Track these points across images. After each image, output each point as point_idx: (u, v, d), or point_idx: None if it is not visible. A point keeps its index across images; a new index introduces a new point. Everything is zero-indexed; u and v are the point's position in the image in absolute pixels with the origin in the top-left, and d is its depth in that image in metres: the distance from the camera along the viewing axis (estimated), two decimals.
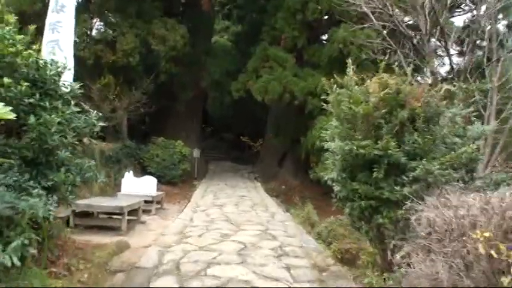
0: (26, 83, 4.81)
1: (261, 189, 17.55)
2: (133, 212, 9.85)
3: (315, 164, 18.59)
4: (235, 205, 12.20)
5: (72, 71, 8.02)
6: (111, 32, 17.59)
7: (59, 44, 7.73)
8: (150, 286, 5.09)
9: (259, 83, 17.70)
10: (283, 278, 5.46)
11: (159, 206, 12.27)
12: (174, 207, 13.08)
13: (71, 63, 7.82)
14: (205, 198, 13.79)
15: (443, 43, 11.16)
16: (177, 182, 17.58)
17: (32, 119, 4.69)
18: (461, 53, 15.20)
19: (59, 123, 4.94)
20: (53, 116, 4.80)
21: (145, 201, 11.18)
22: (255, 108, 24.07)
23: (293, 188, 20.02)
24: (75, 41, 15.71)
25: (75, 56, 15.61)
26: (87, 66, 16.26)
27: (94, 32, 17.94)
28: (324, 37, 20.68)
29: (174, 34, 17.29)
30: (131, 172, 11.91)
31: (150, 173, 17.00)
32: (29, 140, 4.79)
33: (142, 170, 17.17)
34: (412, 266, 4.67)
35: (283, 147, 22.02)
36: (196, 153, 20.14)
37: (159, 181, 16.79)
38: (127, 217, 9.41)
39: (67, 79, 6.10)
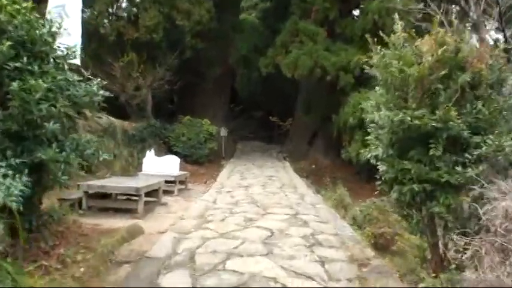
0: (9, 43, 3.96)
1: (290, 169, 16.57)
2: (153, 193, 9.08)
3: (347, 143, 17.50)
4: (263, 186, 11.28)
5: (80, 40, 7.18)
6: (133, 8, 16.76)
7: (65, 9, 6.87)
8: (158, 282, 4.23)
9: (288, 58, 16.63)
10: (316, 274, 4.50)
11: (182, 186, 11.49)
12: (199, 187, 12.28)
13: (77, 30, 6.98)
14: (231, 179, 12.93)
15: (493, 7, 9.85)
16: (203, 161, 16.80)
17: (15, 85, 3.84)
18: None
19: (48, 90, 4.08)
20: (39, 81, 3.92)
21: (167, 182, 10.44)
22: (284, 85, 23.01)
23: (323, 168, 19.00)
24: (95, 17, 15.14)
25: (96, 32, 15.14)
26: (108, 43, 15.55)
27: (116, 8, 17.03)
28: (356, 12, 19.42)
29: (199, 8, 16.26)
30: (152, 151, 11.11)
31: (176, 153, 16.26)
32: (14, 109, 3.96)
33: (168, 150, 16.44)
34: (479, 268, 3.70)
35: (313, 126, 20.94)
36: (223, 132, 19.28)
37: (185, 161, 16.13)
38: (146, 198, 8.67)
39: (71, 45, 5.21)
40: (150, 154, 11.00)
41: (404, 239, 10.49)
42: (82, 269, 4.37)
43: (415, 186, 4.32)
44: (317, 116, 20.08)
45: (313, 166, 18.76)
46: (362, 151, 5.66)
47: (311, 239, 5.91)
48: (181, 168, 14.99)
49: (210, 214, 7.40)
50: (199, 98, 19.95)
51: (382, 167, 4.88)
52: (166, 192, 10.18)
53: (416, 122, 4.17)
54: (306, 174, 16.57)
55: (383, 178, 4.93)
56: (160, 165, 10.82)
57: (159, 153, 15.80)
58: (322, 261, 4.95)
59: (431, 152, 4.19)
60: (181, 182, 11.48)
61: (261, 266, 4.63)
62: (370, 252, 5.48)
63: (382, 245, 6.09)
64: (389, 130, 4.62)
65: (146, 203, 8.53)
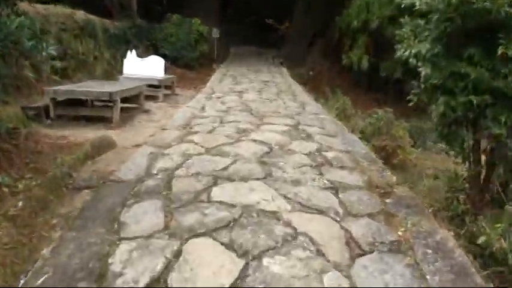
0: None
1: (287, 75, 15.13)
2: (134, 99, 7.78)
3: (348, 48, 15.96)
4: (258, 92, 9.91)
5: None
6: None
7: None
8: (120, 218, 3.05)
9: None
10: (329, 208, 3.32)
11: (169, 91, 10.14)
12: (187, 93, 10.92)
13: None
14: (223, 83, 11.51)
15: None
16: (194, 65, 15.25)
17: None
18: None
19: None
20: None
21: (151, 86, 9.09)
22: None
23: (321, 76, 17.56)
24: None
25: None
26: None
27: None
28: None
29: None
30: (134, 52, 9.57)
31: (164, 56, 14.64)
32: None
33: (155, 52, 14.83)
34: None
35: (312, 29, 19.17)
36: (215, 33, 17.49)
37: (174, 64, 14.58)
38: (125, 105, 7.40)
39: None
40: (131, 55, 9.48)
41: (406, 153, 9.45)
42: (21, 203, 3.16)
43: (473, 98, 3.02)
44: (317, 19, 18.26)
45: (311, 73, 17.31)
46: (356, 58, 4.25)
47: (318, 156, 4.70)
48: (169, 72, 13.55)
49: (196, 124, 6.13)
50: (189, 1, 17.93)
51: (426, 69, 3.53)
52: (150, 97, 8.89)
53: (487, 4, 2.79)
54: (303, 81, 15.17)
55: (423, 85, 3.61)
56: (143, 68, 9.37)
57: (145, 57, 14.31)
58: (334, 188, 3.76)
59: (499, 51, 2.85)
60: (168, 87, 10.12)
61: (258, 195, 3.43)
62: (390, 176, 4.30)
63: (383, 158, 5.25)
64: (441, 17, 3.21)
65: (126, 110, 7.28)
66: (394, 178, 4.27)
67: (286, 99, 9.04)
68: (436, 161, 14.55)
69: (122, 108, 7.04)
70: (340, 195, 3.62)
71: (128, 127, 6.45)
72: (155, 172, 3.97)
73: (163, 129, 5.79)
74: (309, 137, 5.59)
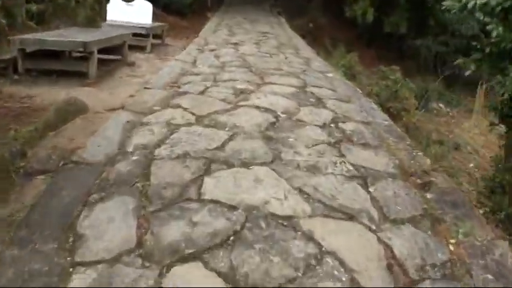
0: None
1: (287, 26, 13.84)
2: (117, 50, 6.72)
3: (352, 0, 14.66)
4: (256, 44, 8.75)
5: None
6: None
7: None
8: (78, 223, 2.13)
9: None
10: (361, 209, 2.40)
11: (159, 41, 9.00)
12: (178, 43, 9.75)
13: None
14: (217, 34, 10.29)
15: None
16: (186, 12, 13.86)
17: None
18: None
19: None
20: None
21: (138, 35, 7.96)
22: None
23: (322, 28, 16.33)
24: None
25: None
26: None
27: None
28: None
29: None
30: None
31: (154, 1, 13.34)
32: None
33: None
34: None
35: None
36: None
37: (165, 11, 13.25)
38: (105, 56, 6.37)
39: None
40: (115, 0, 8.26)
41: (410, 116, 8.56)
42: None
43: None
44: None
45: (310, 25, 16.03)
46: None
47: (335, 130, 3.73)
48: (160, 20, 12.27)
49: (185, 82, 5.08)
50: None
51: (496, 29, 2.53)
52: (136, 48, 7.79)
53: None
54: (303, 34, 13.96)
55: (488, 50, 2.63)
56: (128, 14, 8.18)
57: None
58: (362, 178, 2.83)
59: None
60: (157, 36, 8.97)
61: (265, 191, 2.49)
62: (423, 158, 3.39)
63: None
64: None
65: (106, 63, 6.25)
66: (428, 161, 3.36)
67: (288, 53, 7.94)
68: (439, 124, 13.63)
69: (101, 61, 6.01)
70: (371, 189, 2.71)
71: (106, 84, 5.43)
72: (130, 150, 3.00)
73: (146, 88, 4.75)
74: (320, 102, 4.60)
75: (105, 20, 8.33)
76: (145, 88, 4.75)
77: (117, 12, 8.15)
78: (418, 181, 2.97)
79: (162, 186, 2.48)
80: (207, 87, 4.79)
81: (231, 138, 3.27)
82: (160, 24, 9.11)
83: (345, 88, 5.52)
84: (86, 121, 3.80)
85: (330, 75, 6.31)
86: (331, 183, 2.70)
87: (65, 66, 5.51)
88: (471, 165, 10.36)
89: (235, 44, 8.54)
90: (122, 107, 4.18)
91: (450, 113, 15.07)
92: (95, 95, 4.86)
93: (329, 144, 3.37)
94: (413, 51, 16.89)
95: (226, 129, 3.48)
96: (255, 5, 18.88)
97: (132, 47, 7.82)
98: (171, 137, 3.24)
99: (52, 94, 4.66)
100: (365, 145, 3.49)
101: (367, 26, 15.08)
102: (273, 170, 2.78)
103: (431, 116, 14.40)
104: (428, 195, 2.76)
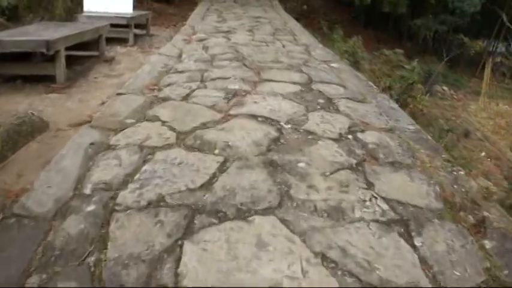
0: None
1: (280, 8, 12.82)
2: (92, 45, 5.86)
3: None
4: (249, 31, 7.79)
5: None
6: None
7: None
8: None
9: None
10: (410, 282, 1.62)
11: (143, 31, 8.09)
12: (165, 33, 8.83)
13: None
14: (206, 20, 9.29)
15: None
16: None
17: None
18: None
19: None
20: None
21: (118, 26, 7.05)
22: None
23: (316, 10, 15.41)
24: None
25: None
26: None
27: None
28: None
29: None
30: None
31: None
32: None
33: None
34: None
35: None
36: None
37: None
38: (79, 53, 5.52)
39: None
40: None
41: (417, 102, 7.80)
42: None
43: None
44: None
45: (304, 6, 15.11)
46: None
47: (355, 144, 2.86)
48: (145, 7, 11.35)
49: (167, 83, 4.16)
50: None
51: None
52: (118, 41, 6.90)
53: None
54: (297, 16, 13.01)
55: None
56: (107, 3, 7.22)
57: None
58: (403, 224, 2.00)
59: None
60: (141, 26, 8.05)
61: (273, 264, 1.64)
62: (466, 179, 2.58)
63: None
64: None
65: (80, 60, 5.38)
66: (475, 184, 2.54)
67: (285, 40, 7.00)
68: (445, 109, 12.70)
69: (75, 58, 5.16)
70: (417, 242, 1.90)
71: (77, 88, 4.56)
72: (88, 193, 2.14)
73: (120, 93, 3.86)
74: (330, 103, 3.73)
75: (82, 11, 7.37)
76: (118, 94, 3.86)
77: (94, 2, 7.18)
78: (470, 219, 2.16)
79: (123, 264, 1.64)
80: (193, 90, 3.88)
81: (222, 167, 2.41)
82: (144, 12, 8.16)
83: (355, 82, 4.64)
84: (43, 145, 2.95)
85: (335, 65, 5.42)
86: (364, 239, 1.86)
87: (27, 70, 4.59)
88: (482, 153, 9.56)
89: (227, 32, 7.58)
90: (89, 120, 3.33)
91: (455, 96, 14.25)
92: (62, 103, 4.02)
93: (351, 168, 2.52)
94: (413, 31, 16.00)
95: (216, 151, 2.61)
96: None
97: (112, 40, 6.93)
98: (143, 169, 2.37)
99: (10, 106, 3.80)
100: (394, 165, 2.64)
101: (364, 7, 14.15)
102: (282, 221, 1.94)
103: (436, 99, 13.57)
104: (487, 244, 1.94)
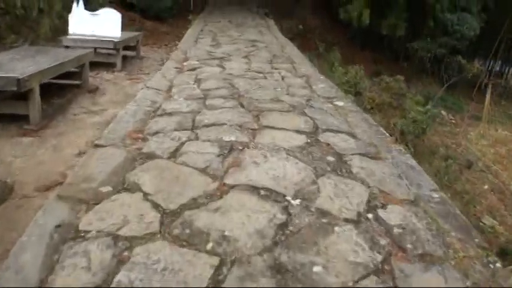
0: None
1: (277, 30, 12.33)
2: (74, 74, 5.34)
3: (346, 0, 13.25)
4: (245, 58, 7.23)
5: None
6: None
7: None
8: None
9: None
10: None
11: (133, 53, 7.56)
12: (156, 54, 8.32)
13: None
14: (200, 44, 8.74)
15: None
16: (166, 16, 12.34)
17: None
18: None
19: None
20: None
21: (105, 50, 6.54)
22: None
23: (312, 30, 14.96)
24: None
25: None
26: None
27: None
28: None
29: None
30: (81, 3, 6.74)
31: (131, 6, 11.82)
32: None
33: (120, 1, 11.90)
34: None
35: None
36: None
37: (143, 16, 11.74)
38: (64, 81, 5.00)
39: None
40: (77, 8, 6.69)
41: None
42: None
43: None
44: None
45: (300, 26, 14.66)
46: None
47: (377, 228, 2.33)
48: (137, 25, 10.86)
49: (154, 131, 3.58)
50: None
51: None
52: (105, 65, 6.37)
53: None
54: (293, 36, 12.56)
55: None
56: (94, 25, 6.65)
57: (108, 7, 11.33)
58: None
59: None
60: (131, 48, 7.51)
61: None
62: (507, 273, 2.06)
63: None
64: None
65: (60, 91, 4.85)
66: None
67: (284, 70, 6.47)
68: (444, 135, 12.24)
69: (55, 88, 4.65)
70: None
71: (54, 129, 4.00)
72: None
73: (98, 145, 3.29)
74: (341, 162, 3.18)
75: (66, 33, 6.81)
76: (96, 145, 3.29)
77: (80, 24, 6.62)
78: None
79: None
80: (182, 143, 3.31)
81: (217, 276, 1.85)
82: (134, 34, 7.61)
83: (365, 128, 4.11)
84: (2, 221, 2.38)
85: (341, 103, 4.90)
86: None
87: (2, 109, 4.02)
88: (485, 187, 9.09)
89: (221, 58, 7.04)
90: (61, 182, 2.78)
91: (454, 121, 13.82)
92: (34, 152, 3.46)
93: (377, 271, 1.98)
94: (409, 53, 15.62)
95: (209, 246, 2.05)
96: (241, 5, 17.33)
97: (99, 64, 6.40)
98: (116, 279, 1.81)
99: None
100: (425, 258, 2.11)
101: (361, 28, 13.74)
102: None
103: (436, 125, 13.12)
104: None
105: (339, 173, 2.99)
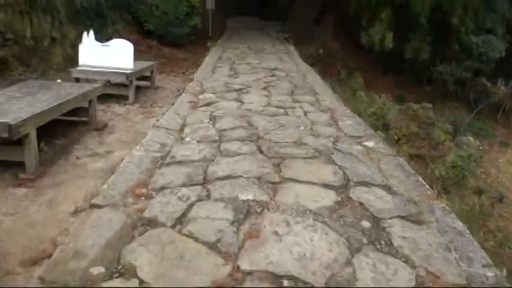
0: None
1: (297, 55, 11.86)
2: (80, 110, 4.92)
3: (366, 23, 12.76)
4: (265, 90, 6.72)
5: None
6: None
7: None
8: None
9: None
10: None
11: (147, 83, 7.17)
12: (172, 83, 7.93)
13: None
14: (217, 73, 8.31)
15: None
16: (183, 43, 12.00)
17: None
18: None
19: None
20: None
21: (115, 83, 6.19)
22: None
23: (333, 54, 14.47)
24: None
25: None
26: None
27: None
28: None
29: None
30: (91, 34, 6.37)
31: (148, 32, 11.53)
32: None
33: (138, 28, 11.65)
34: None
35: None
36: (210, 3, 14.13)
37: (160, 42, 11.41)
38: (69, 118, 4.60)
39: None
40: (88, 39, 6.33)
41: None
42: None
43: None
44: None
45: (321, 51, 14.19)
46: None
47: None
48: (155, 52, 10.53)
49: (159, 186, 3.07)
50: None
51: None
52: (117, 97, 5.98)
53: None
54: (313, 62, 12.08)
55: None
56: (105, 56, 6.27)
57: (126, 33, 11.06)
58: None
59: None
60: (146, 78, 7.12)
61: None
62: None
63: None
64: None
65: (65, 128, 4.46)
66: None
67: (307, 103, 5.94)
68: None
69: (59, 125, 4.27)
70: None
71: (52, 177, 3.59)
72: None
73: (94, 206, 2.81)
74: (378, 229, 2.60)
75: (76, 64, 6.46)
76: (92, 206, 2.81)
77: (90, 55, 6.26)
78: None
79: None
80: (191, 204, 2.81)
81: None
82: (148, 64, 7.19)
83: (401, 177, 3.55)
84: None
85: (371, 144, 4.35)
86: None
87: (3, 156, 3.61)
88: None
89: (239, 90, 6.57)
90: (50, 254, 2.31)
91: (481, 147, 13.10)
92: (26, 207, 3.05)
93: None
94: (433, 76, 15.01)
95: None
96: (260, 30, 16.96)
97: (110, 96, 6.03)
98: None
99: None
100: None
101: (384, 52, 13.20)
102: None
103: (463, 152, 12.44)
104: None
105: (378, 246, 2.44)
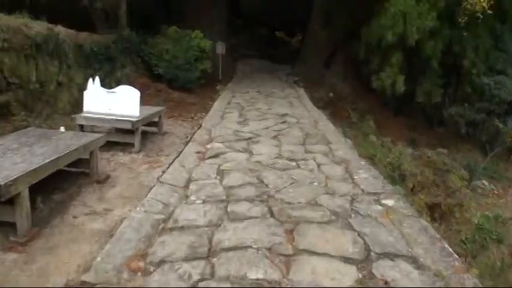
0: None
1: (307, 99, 11.65)
2: (82, 161, 4.65)
3: (377, 67, 12.57)
4: (275, 139, 6.43)
5: None
6: None
7: None
8: None
9: None
10: None
11: (154, 129, 6.93)
12: (181, 128, 7.69)
13: None
14: (226, 120, 8.05)
15: None
16: (193, 87, 11.85)
17: None
18: None
19: None
20: None
21: (121, 131, 5.96)
22: None
23: (344, 97, 14.26)
24: None
25: None
26: None
27: None
28: None
29: None
30: (97, 80, 6.17)
31: (158, 75, 11.44)
32: None
33: (148, 72, 11.58)
34: None
35: (331, 43, 15.81)
36: (220, 48, 14.10)
37: (169, 86, 11.28)
38: (69, 168, 4.30)
39: None
40: (93, 86, 6.13)
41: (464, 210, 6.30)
42: None
43: None
44: (338, 30, 14.92)
45: (331, 94, 14.01)
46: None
47: None
48: (163, 96, 10.38)
49: (158, 259, 2.72)
50: (191, 4, 14.57)
51: None
52: (122, 145, 5.72)
53: None
54: (323, 105, 11.85)
55: None
56: (110, 103, 6.07)
57: (135, 77, 10.98)
58: None
59: None
60: (153, 123, 6.89)
61: None
62: None
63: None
64: None
65: (64, 181, 4.17)
66: None
67: (319, 154, 5.62)
68: (487, 209, 10.91)
69: (58, 178, 3.97)
70: None
71: (45, 239, 3.30)
72: None
73: (84, 283, 2.46)
74: None
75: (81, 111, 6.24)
76: (82, 284, 2.46)
77: (95, 102, 6.05)
78: None
79: None
80: (193, 286, 2.45)
81: None
82: (155, 110, 6.96)
83: (426, 244, 3.16)
84: None
85: (390, 202, 3.98)
86: None
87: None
88: None
89: (248, 140, 6.29)
90: None
91: (496, 191, 12.63)
92: (14, 279, 2.70)
93: None
94: (444, 118, 14.71)
95: None
96: (270, 74, 16.88)
97: (116, 144, 5.78)
98: None
99: None
100: None
101: (394, 95, 12.97)
102: None
103: (478, 196, 11.92)
104: None
105: None
